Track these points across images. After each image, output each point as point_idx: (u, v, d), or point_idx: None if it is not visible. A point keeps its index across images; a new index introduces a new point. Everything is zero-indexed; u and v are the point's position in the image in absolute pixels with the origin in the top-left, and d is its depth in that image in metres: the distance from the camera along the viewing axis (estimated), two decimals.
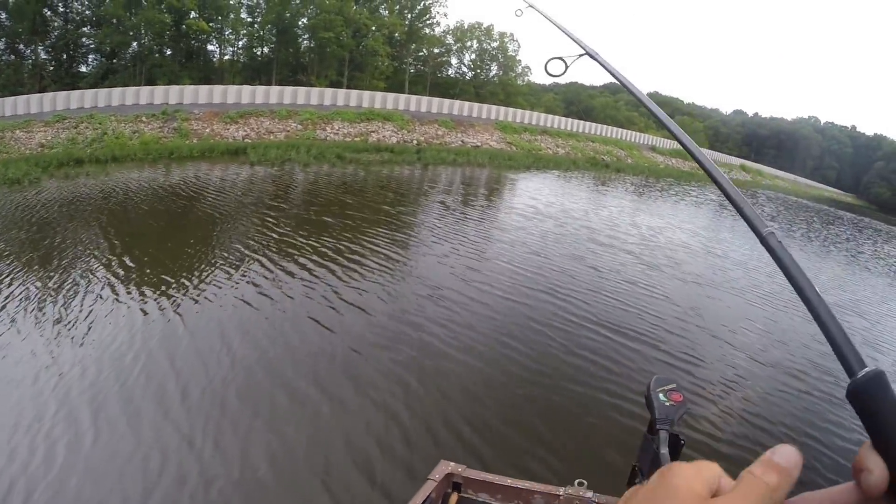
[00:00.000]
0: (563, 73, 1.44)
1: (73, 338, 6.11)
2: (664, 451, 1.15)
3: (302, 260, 9.15)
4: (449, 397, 5.34)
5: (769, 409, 6.03)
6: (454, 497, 1.98)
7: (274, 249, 9.67)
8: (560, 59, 1.42)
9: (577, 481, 1.73)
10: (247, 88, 28.55)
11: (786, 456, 0.39)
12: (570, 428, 5.04)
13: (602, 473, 3.96)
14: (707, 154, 0.91)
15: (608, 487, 1.69)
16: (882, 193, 76.54)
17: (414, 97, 34.41)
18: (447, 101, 35.10)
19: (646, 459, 1.24)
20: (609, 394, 5.65)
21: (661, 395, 1.23)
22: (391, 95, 33.14)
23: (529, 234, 13.01)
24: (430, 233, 12.18)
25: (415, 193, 18.22)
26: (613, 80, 1.37)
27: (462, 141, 31.41)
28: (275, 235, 10.59)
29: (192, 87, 27.31)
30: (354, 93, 31.93)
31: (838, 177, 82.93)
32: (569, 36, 1.55)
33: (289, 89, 29.74)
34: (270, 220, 11.84)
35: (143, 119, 23.24)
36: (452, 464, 2.10)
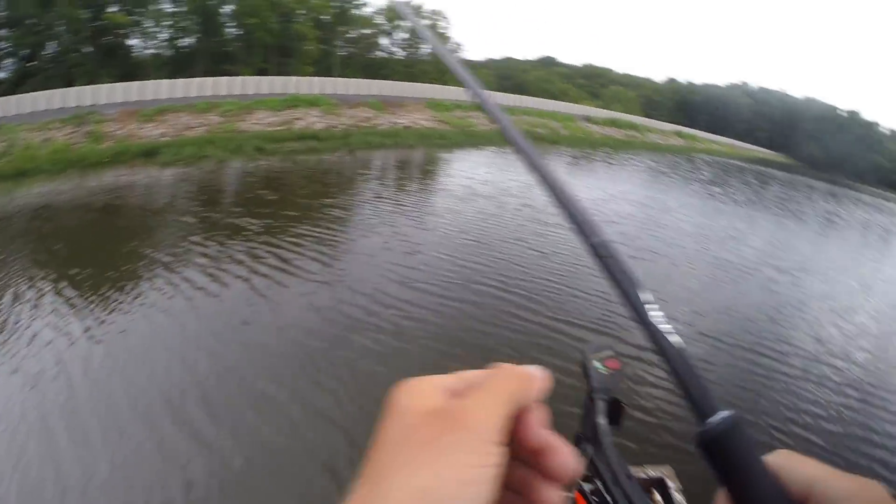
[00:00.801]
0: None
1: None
2: (602, 420, 1.17)
3: (213, 272, 8.39)
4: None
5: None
6: None
7: (179, 264, 8.75)
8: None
9: None
10: (165, 83, 28.05)
11: (536, 370, 0.38)
12: None
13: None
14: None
15: None
16: (812, 152, 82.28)
17: (341, 80, 34.28)
18: (376, 83, 35.09)
19: (588, 427, 1.25)
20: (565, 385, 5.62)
21: (596, 363, 1.22)
22: (317, 80, 32.96)
23: (467, 218, 12.52)
24: (357, 227, 11.51)
25: (342, 183, 17.62)
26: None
27: (392, 122, 31.50)
28: (179, 249, 9.50)
29: (107, 85, 26.71)
30: (279, 79, 31.63)
31: (770, 138, 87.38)
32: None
33: (209, 80, 29.32)
34: (175, 229, 10.86)
35: (57, 125, 22.69)
36: None
